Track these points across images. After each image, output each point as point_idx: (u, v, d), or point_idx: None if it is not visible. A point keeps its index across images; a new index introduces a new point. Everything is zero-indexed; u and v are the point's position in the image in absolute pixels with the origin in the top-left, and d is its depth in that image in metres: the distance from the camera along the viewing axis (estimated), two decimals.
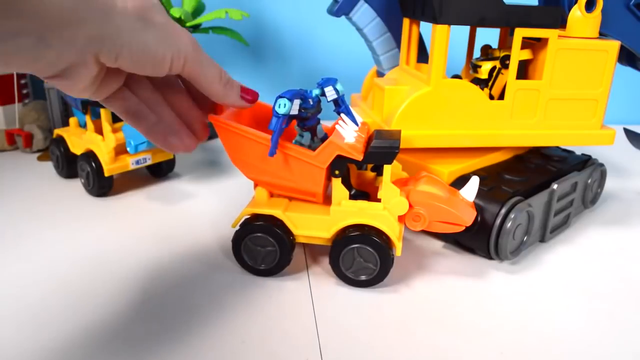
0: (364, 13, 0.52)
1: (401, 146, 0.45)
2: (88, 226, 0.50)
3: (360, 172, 0.44)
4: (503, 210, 0.43)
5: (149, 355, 0.33)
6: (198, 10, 0.71)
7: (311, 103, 0.38)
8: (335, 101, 0.39)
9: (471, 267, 0.45)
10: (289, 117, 0.37)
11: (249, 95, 0.36)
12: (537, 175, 0.48)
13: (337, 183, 0.40)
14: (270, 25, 0.89)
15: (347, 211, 0.40)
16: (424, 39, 0.55)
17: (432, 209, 0.40)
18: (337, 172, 0.39)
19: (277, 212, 0.40)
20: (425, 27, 0.50)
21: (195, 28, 0.70)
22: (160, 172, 0.63)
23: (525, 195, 0.45)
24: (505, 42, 0.54)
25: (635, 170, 0.70)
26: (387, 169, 0.39)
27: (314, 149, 0.38)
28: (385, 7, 0.52)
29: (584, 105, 0.49)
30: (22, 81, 0.74)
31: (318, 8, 0.83)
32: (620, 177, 0.67)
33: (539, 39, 0.47)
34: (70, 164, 0.61)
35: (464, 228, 0.41)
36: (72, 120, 0.62)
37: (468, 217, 0.40)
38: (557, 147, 0.56)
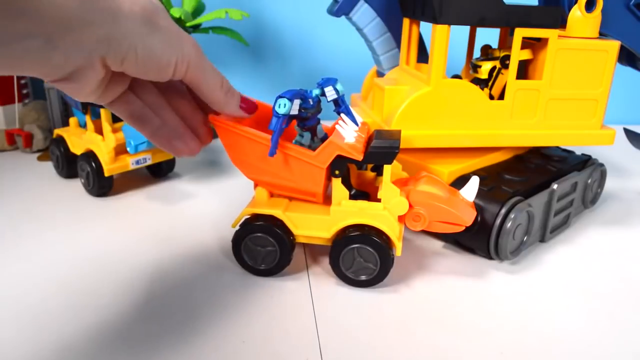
0: (364, 13, 0.52)
1: (401, 146, 0.45)
2: (88, 226, 0.50)
3: (360, 172, 0.44)
4: (503, 210, 0.43)
5: (150, 356, 0.33)
6: (198, 10, 0.71)
7: (311, 103, 0.38)
8: (335, 101, 0.39)
9: (471, 267, 0.45)
10: (289, 117, 0.37)
11: (248, 106, 0.37)
12: (537, 175, 0.48)
13: (337, 183, 0.40)
14: (270, 25, 0.89)
15: (347, 211, 0.40)
16: (424, 39, 0.55)
17: (432, 209, 0.40)
18: (337, 172, 0.39)
19: (277, 212, 0.40)
20: (425, 27, 0.50)
21: (195, 28, 0.70)
22: (160, 172, 0.63)
23: (525, 195, 0.45)
24: (505, 42, 0.54)
25: (635, 170, 0.70)
26: (387, 169, 0.39)
27: (314, 149, 0.38)
28: (385, 7, 0.52)
29: (584, 105, 0.49)
30: (22, 81, 0.74)
31: (318, 8, 0.83)
32: (620, 177, 0.67)
33: (539, 39, 0.47)
34: (70, 164, 0.61)
35: (464, 228, 0.41)
36: (72, 120, 0.62)
37: (468, 217, 0.40)
38: (557, 147, 0.56)
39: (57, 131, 0.62)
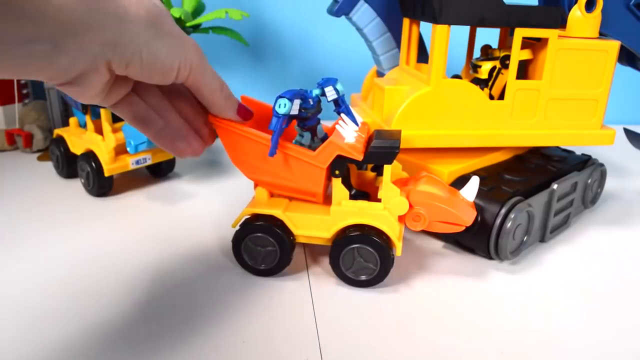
0: (364, 13, 0.52)
1: (401, 146, 0.45)
2: (88, 226, 0.50)
3: (360, 172, 0.44)
4: (503, 210, 0.43)
5: (150, 356, 0.33)
6: (198, 10, 0.71)
7: (311, 103, 0.38)
8: (335, 101, 0.39)
9: (471, 267, 0.45)
10: (289, 117, 0.37)
11: (244, 113, 0.37)
12: (537, 175, 0.48)
13: (337, 183, 0.40)
14: (270, 25, 0.89)
15: (347, 211, 0.40)
16: (424, 39, 0.55)
17: (432, 209, 0.40)
18: (337, 172, 0.39)
19: (277, 212, 0.40)
20: (425, 27, 0.50)
21: (195, 28, 0.70)
22: (160, 172, 0.63)
23: (525, 195, 0.45)
24: (505, 42, 0.54)
25: (635, 170, 0.70)
26: (387, 169, 0.39)
27: (314, 149, 0.38)
28: (385, 7, 0.52)
29: (584, 105, 0.49)
30: (22, 81, 0.74)
31: (318, 8, 0.83)
32: (620, 177, 0.67)
33: (539, 39, 0.47)
34: (70, 164, 0.61)
35: (464, 228, 0.41)
36: (72, 120, 0.62)
37: (468, 217, 0.40)
38: (557, 147, 0.56)
39: (57, 131, 0.62)
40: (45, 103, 0.72)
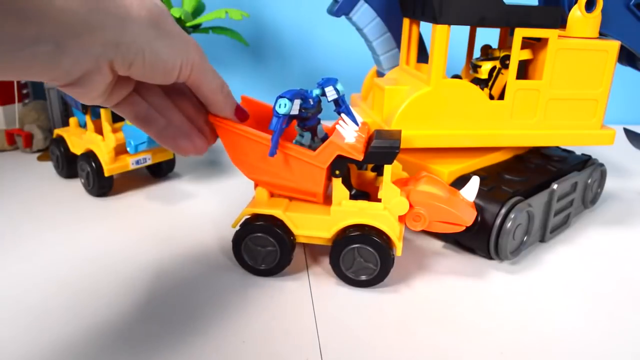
0: (364, 13, 0.52)
1: (401, 146, 0.45)
2: (88, 226, 0.50)
3: (360, 172, 0.44)
4: (503, 210, 0.43)
5: (150, 356, 0.33)
6: (198, 10, 0.71)
7: (311, 103, 0.38)
8: (335, 101, 0.39)
9: (471, 267, 0.45)
10: (289, 117, 0.37)
11: (240, 114, 0.38)
12: (537, 175, 0.48)
13: (337, 183, 0.40)
14: (270, 25, 0.89)
15: (347, 211, 0.40)
16: (424, 39, 0.55)
17: (433, 209, 0.40)
18: (337, 172, 0.39)
19: (277, 212, 0.40)
20: (425, 27, 0.50)
21: (195, 28, 0.70)
22: (160, 172, 0.63)
23: (525, 195, 0.45)
24: (505, 42, 0.54)
25: (635, 170, 0.70)
26: (387, 169, 0.39)
27: (314, 149, 0.38)
28: (385, 7, 0.52)
29: (584, 105, 0.49)
30: (22, 81, 0.74)
31: (318, 8, 0.83)
32: (620, 177, 0.67)
33: (539, 39, 0.47)
34: (70, 164, 0.61)
35: (464, 228, 0.41)
36: (72, 120, 0.62)
37: (468, 217, 0.40)
38: (557, 147, 0.56)
39: (57, 131, 0.62)
40: (45, 103, 0.72)
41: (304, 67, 0.92)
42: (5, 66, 0.24)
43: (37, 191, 0.59)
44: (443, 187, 0.41)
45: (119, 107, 0.33)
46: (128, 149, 0.56)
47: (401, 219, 0.41)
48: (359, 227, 0.40)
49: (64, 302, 0.38)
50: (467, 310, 0.39)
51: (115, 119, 0.58)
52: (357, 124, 0.40)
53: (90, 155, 0.56)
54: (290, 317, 0.37)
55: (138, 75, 0.29)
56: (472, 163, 0.49)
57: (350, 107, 0.41)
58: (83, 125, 0.62)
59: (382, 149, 0.38)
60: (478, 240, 0.44)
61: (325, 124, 0.42)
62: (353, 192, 0.43)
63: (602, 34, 0.49)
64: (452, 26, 0.44)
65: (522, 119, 0.48)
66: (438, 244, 0.48)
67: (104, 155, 0.55)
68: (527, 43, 0.48)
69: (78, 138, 0.59)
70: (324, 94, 0.39)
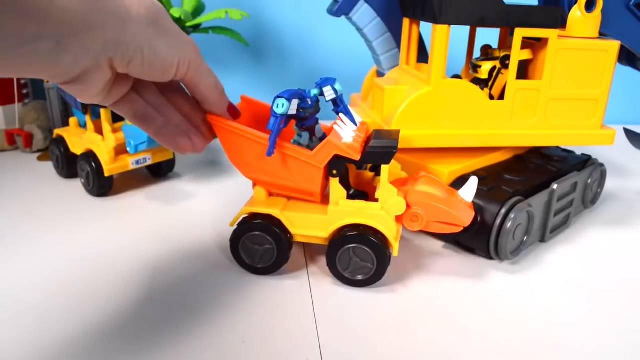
0: (364, 13, 0.52)
1: (401, 146, 0.45)
2: (88, 226, 0.50)
3: (359, 172, 0.44)
4: (503, 210, 0.43)
5: (150, 356, 0.33)
6: (198, 10, 0.71)
7: (309, 103, 0.38)
8: (334, 101, 0.39)
9: (471, 267, 0.45)
10: (287, 117, 0.37)
11: (233, 111, 0.38)
12: (537, 175, 0.48)
13: (334, 183, 0.40)
14: (270, 25, 0.89)
15: (344, 211, 0.40)
16: (424, 39, 0.55)
17: (430, 209, 0.40)
18: (334, 172, 0.39)
19: (274, 212, 0.41)
20: (425, 27, 0.50)
21: (195, 28, 0.70)
22: (160, 172, 0.63)
23: (525, 195, 0.45)
24: (505, 42, 0.54)
25: (635, 170, 0.70)
26: (384, 169, 0.39)
27: (312, 149, 0.38)
28: (385, 7, 0.52)
29: (584, 105, 0.49)
30: (22, 81, 0.74)
31: (318, 8, 0.83)
32: (620, 177, 0.67)
33: (539, 39, 0.47)
34: (70, 164, 0.61)
35: (462, 229, 0.41)
36: (72, 120, 0.62)
37: (466, 218, 0.40)
38: (557, 147, 0.56)
39: (57, 131, 0.62)
40: (45, 103, 0.72)
41: (304, 67, 0.92)
42: (6, 63, 0.24)
43: (37, 191, 0.59)
44: (441, 187, 0.41)
45: (117, 106, 0.33)
46: (128, 149, 0.56)
47: (399, 219, 0.41)
48: (356, 226, 0.40)
49: (64, 302, 0.38)
50: (467, 310, 0.39)
51: (115, 119, 0.58)
52: (355, 123, 0.40)
53: (90, 155, 0.56)
54: (290, 317, 0.37)
55: (137, 73, 0.29)
56: (472, 163, 0.49)
57: (350, 107, 0.41)
58: (83, 125, 0.62)
59: (380, 149, 0.38)
60: (478, 240, 0.44)
61: (326, 124, 0.42)
62: (351, 191, 0.43)
63: (602, 34, 0.49)
64: (452, 26, 0.44)
65: (522, 119, 0.48)
66: (438, 244, 0.48)
67: (104, 155, 0.55)
68: (527, 43, 0.48)
69: (78, 138, 0.59)
70: (322, 93, 0.39)
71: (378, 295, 0.40)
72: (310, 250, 0.46)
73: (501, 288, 0.42)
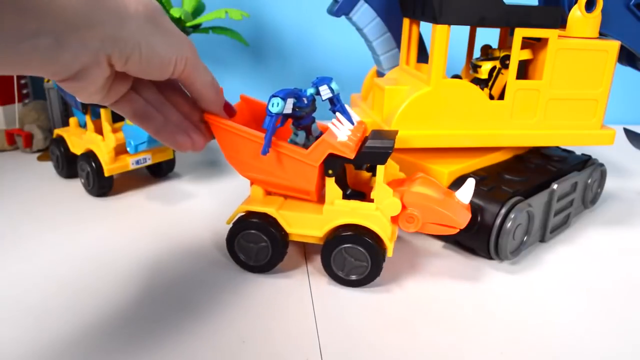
0: (364, 13, 0.52)
1: (401, 146, 0.45)
2: (88, 226, 0.50)
3: (357, 172, 0.44)
4: (503, 210, 0.43)
5: (150, 355, 0.33)
6: (198, 10, 0.71)
7: (305, 102, 0.38)
8: (330, 100, 0.39)
9: (471, 267, 0.45)
10: (284, 116, 0.37)
11: (229, 109, 0.39)
12: (537, 175, 0.48)
13: (330, 182, 0.40)
14: (270, 25, 0.89)
15: (339, 211, 0.40)
16: (424, 39, 0.55)
17: (426, 210, 0.40)
18: (330, 171, 0.39)
19: (270, 210, 0.41)
20: (425, 27, 0.50)
21: (195, 28, 0.70)
22: (160, 172, 0.63)
23: (525, 195, 0.45)
24: (505, 42, 0.54)
25: (635, 170, 0.70)
26: (380, 169, 0.39)
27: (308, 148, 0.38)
28: (385, 7, 0.52)
29: (584, 105, 0.49)
30: (22, 81, 0.74)
31: (318, 8, 0.83)
32: (620, 177, 0.67)
33: (539, 39, 0.47)
34: (70, 164, 0.61)
35: (457, 231, 0.40)
36: (72, 120, 0.62)
37: (462, 220, 0.40)
38: (557, 147, 0.56)
39: (57, 131, 0.62)
40: (45, 103, 0.72)
41: (304, 67, 0.92)
42: (5, 60, 0.24)
43: (37, 191, 0.59)
44: (438, 188, 0.41)
45: (117, 105, 0.33)
46: (128, 149, 0.56)
47: (394, 219, 0.40)
48: (351, 226, 0.40)
49: (64, 302, 0.38)
50: (467, 310, 0.39)
51: (115, 119, 0.58)
52: (352, 122, 0.40)
53: (90, 155, 0.56)
54: (290, 317, 0.37)
55: (135, 71, 0.29)
56: (472, 163, 0.49)
57: (350, 107, 0.41)
58: (83, 125, 0.62)
59: (376, 149, 0.38)
60: (478, 240, 0.44)
61: (326, 123, 0.42)
62: (349, 191, 0.43)
63: (602, 34, 0.49)
64: (452, 26, 0.44)
65: (522, 119, 0.48)
66: (438, 244, 0.48)
67: (104, 155, 0.55)
68: (527, 43, 0.48)
69: (78, 138, 0.59)
70: (318, 92, 0.39)
71: (378, 295, 0.40)
72: (310, 250, 0.46)
73: (501, 288, 0.42)
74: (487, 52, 0.52)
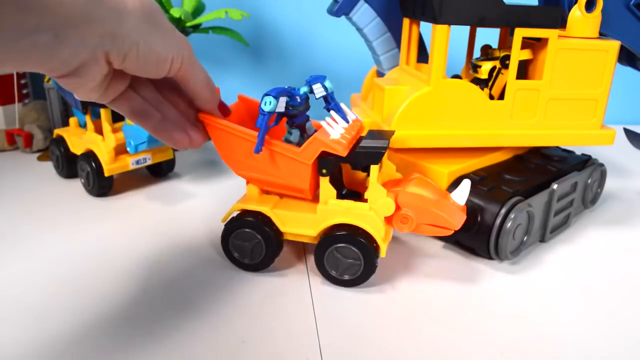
0: (364, 13, 0.52)
1: (401, 146, 0.45)
2: (88, 226, 0.50)
3: (353, 172, 0.44)
4: (503, 210, 0.43)
5: (150, 355, 0.33)
6: (198, 10, 0.71)
7: (298, 100, 0.38)
8: (325, 98, 0.40)
9: (471, 267, 0.45)
10: (278, 115, 0.37)
11: (223, 109, 0.39)
12: (537, 175, 0.48)
13: (324, 182, 0.40)
14: (270, 25, 0.89)
15: (333, 210, 0.40)
16: (424, 39, 0.55)
17: (420, 211, 0.39)
18: (324, 170, 0.39)
19: (264, 209, 0.41)
20: (425, 27, 0.50)
21: (195, 28, 0.70)
22: (160, 172, 0.63)
23: (525, 195, 0.45)
24: (505, 42, 0.54)
25: (635, 170, 0.70)
26: (374, 169, 0.39)
27: None
28: (385, 7, 0.52)
29: (584, 105, 0.49)
30: (22, 81, 0.74)
31: (318, 8, 0.83)
32: (620, 177, 0.67)
33: (539, 39, 0.47)
34: (70, 164, 0.61)
35: (452, 232, 0.40)
36: (72, 120, 0.62)
37: (457, 221, 0.40)
38: (557, 147, 0.56)
39: (57, 131, 0.62)
40: (45, 103, 0.72)
41: (304, 67, 0.92)
42: (5, 56, 0.24)
43: (37, 191, 0.59)
44: (433, 189, 0.41)
45: (115, 103, 0.33)
46: (128, 149, 0.56)
47: (388, 220, 0.40)
48: (344, 226, 0.40)
49: (64, 301, 0.38)
50: (467, 310, 0.39)
51: (115, 119, 0.58)
52: (347, 121, 0.40)
53: (90, 155, 0.56)
54: (290, 317, 0.37)
55: (132, 68, 0.30)
56: (472, 163, 0.49)
57: (351, 107, 0.41)
58: (83, 125, 0.62)
59: (369, 148, 0.38)
60: (478, 240, 0.44)
61: (320, 122, 0.42)
62: (344, 191, 0.43)
63: (602, 34, 0.49)
64: (452, 26, 0.44)
65: (522, 119, 0.48)
66: (438, 244, 0.48)
67: (104, 155, 0.55)
68: (527, 43, 0.48)
69: (78, 138, 0.59)
70: (312, 91, 0.39)
71: (378, 295, 0.40)
72: (309, 250, 0.46)
73: (501, 288, 0.42)
74: (487, 52, 0.52)
